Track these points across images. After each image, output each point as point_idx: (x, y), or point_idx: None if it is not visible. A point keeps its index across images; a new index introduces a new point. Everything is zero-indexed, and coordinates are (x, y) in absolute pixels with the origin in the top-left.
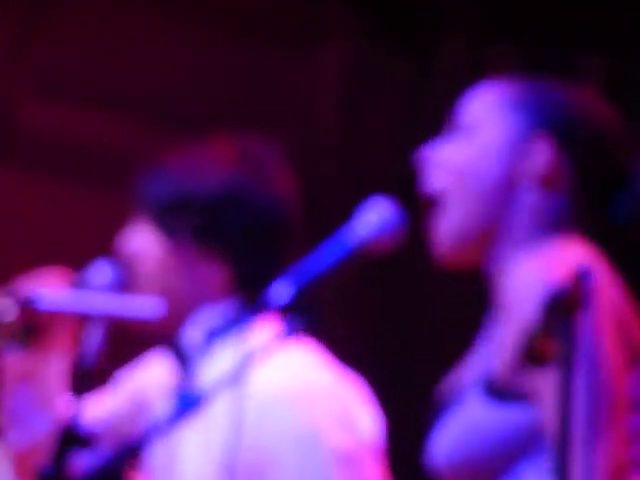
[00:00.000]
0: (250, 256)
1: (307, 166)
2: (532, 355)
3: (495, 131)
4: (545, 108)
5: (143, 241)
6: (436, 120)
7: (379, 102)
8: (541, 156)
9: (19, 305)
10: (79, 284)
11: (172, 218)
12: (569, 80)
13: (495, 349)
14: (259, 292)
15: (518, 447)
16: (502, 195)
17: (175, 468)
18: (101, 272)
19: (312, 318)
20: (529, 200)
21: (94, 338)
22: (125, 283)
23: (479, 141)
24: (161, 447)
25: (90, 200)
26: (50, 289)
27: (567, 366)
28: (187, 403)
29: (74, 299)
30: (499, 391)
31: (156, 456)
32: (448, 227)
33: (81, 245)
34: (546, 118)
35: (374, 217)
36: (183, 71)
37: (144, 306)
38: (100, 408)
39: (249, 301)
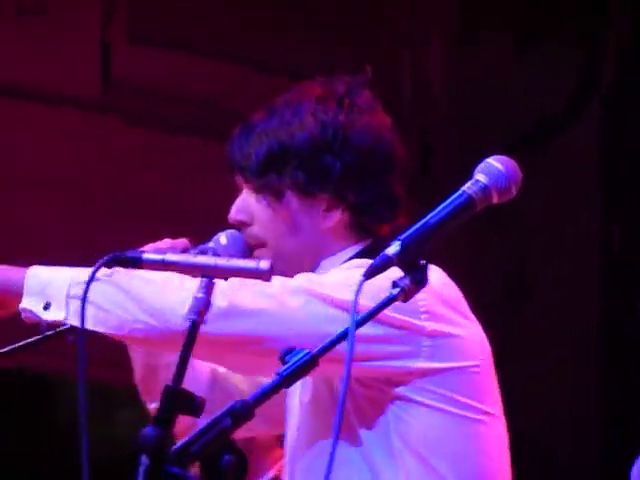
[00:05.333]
0: (360, 195)
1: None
2: None
3: None
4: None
5: (254, 209)
6: None
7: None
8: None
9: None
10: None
11: (274, 177)
12: None
13: None
14: (376, 237)
15: None
16: None
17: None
18: (221, 243)
19: (420, 273)
20: None
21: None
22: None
23: None
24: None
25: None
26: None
27: None
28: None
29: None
30: None
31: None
32: None
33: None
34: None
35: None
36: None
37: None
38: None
39: (368, 249)
